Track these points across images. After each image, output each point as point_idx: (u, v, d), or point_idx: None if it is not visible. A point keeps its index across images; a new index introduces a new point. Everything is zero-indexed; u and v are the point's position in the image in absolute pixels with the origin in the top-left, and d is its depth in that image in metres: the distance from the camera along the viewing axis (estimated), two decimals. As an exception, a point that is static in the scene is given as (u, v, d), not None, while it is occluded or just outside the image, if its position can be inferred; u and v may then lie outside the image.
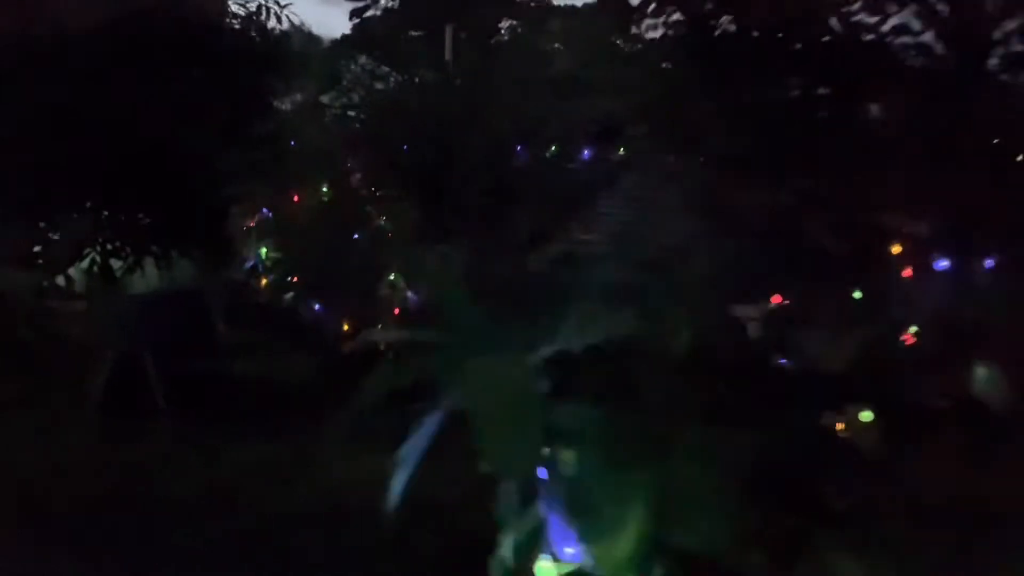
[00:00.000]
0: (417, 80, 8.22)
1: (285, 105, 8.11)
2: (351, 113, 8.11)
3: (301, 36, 8.78)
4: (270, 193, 7.88)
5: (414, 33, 8.65)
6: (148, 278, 8.03)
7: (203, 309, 8.06)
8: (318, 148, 8.00)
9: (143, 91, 7.67)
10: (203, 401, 7.60)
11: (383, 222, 7.91)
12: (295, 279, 7.82)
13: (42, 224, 7.95)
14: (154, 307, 7.88)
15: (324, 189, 7.94)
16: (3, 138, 7.55)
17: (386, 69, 8.67)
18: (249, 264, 7.96)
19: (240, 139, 7.90)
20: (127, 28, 7.91)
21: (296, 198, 7.90)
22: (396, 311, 8.00)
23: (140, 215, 7.98)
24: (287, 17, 8.12)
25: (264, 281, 7.90)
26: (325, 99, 8.40)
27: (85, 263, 8.16)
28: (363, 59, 8.82)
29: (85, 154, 7.61)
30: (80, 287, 8.28)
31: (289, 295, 7.84)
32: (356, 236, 7.92)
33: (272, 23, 8.23)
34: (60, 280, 8.02)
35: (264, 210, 7.90)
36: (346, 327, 7.93)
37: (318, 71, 8.68)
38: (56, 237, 8.02)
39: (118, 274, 8.13)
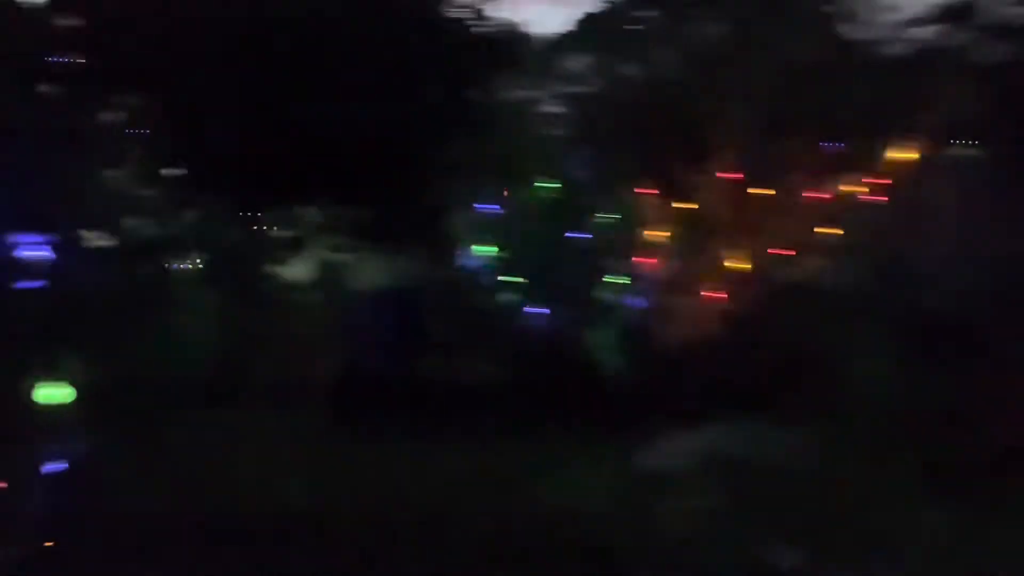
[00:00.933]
0: (656, 72, 7.59)
1: (511, 99, 7.66)
2: (577, 108, 7.55)
3: (524, 30, 8.33)
4: (494, 189, 7.46)
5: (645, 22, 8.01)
6: (366, 275, 7.83)
7: (420, 308, 7.77)
8: (544, 143, 7.51)
9: (369, 86, 7.45)
10: (420, 403, 7.30)
11: (611, 220, 7.33)
12: (516, 279, 7.37)
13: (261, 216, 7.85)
14: (374, 305, 7.67)
15: (549, 185, 7.44)
16: (231, 133, 7.48)
17: (617, 61, 8.04)
18: (468, 262, 7.57)
19: (464, 134, 7.55)
20: (353, 25, 7.71)
21: (520, 194, 7.44)
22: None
23: (363, 210, 7.77)
24: (507, 14, 7.70)
25: (483, 280, 7.50)
26: (551, 93, 7.88)
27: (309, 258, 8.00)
28: (591, 53, 8.22)
29: (310, 148, 7.44)
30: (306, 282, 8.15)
31: (509, 296, 7.40)
32: (580, 236, 7.38)
33: (493, 18, 7.82)
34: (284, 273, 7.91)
35: (486, 206, 7.49)
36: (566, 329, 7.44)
37: (543, 65, 8.19)
38: (278, 232, 7.89)
39: (341, 270, 7.93)
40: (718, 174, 7.63)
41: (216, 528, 5.77)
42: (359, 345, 7.64)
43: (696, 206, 7.67)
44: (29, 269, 6.12)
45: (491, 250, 7.52)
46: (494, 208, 7.55)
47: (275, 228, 7.96)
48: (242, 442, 6.87)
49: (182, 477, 6.26)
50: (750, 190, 7.55)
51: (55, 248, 6.16)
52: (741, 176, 7.57)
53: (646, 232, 7.65)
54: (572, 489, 6.39)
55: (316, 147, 7.41)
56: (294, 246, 8.00)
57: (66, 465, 5.56)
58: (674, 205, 7.72)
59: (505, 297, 7.54)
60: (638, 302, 7.61)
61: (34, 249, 6.13)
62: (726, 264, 7.58)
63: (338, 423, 7.28)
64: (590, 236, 7.61)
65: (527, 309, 7.53)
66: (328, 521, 5.89)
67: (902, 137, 7.52)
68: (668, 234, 7.71)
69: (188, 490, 6.13)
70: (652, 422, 6.89)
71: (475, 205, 7.63)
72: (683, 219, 7.73)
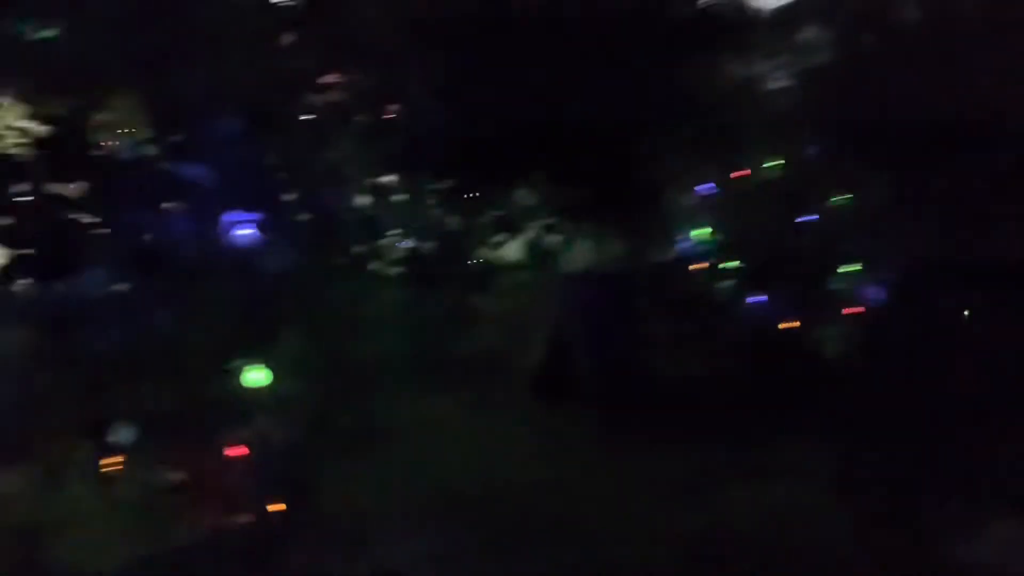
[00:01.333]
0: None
1: (736, 75, 7.07)
2: (808, 82, 6.86)
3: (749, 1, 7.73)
4: (714, 168, 6.93)
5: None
6: (579, 258, 7.52)
7: (630, 294, 7.38)
8: (770, 120, 6.89)
9: (588, 61, 7.12)
10: (627, 396, 6.94)
11: (845, 202, 6.63)
12: (737, 265, 6.81)
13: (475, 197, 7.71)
14: (586, 289, 7.36)
15: (776, 164, 6.82)
16: (456, 111, 7.34)
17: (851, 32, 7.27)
18: (683, 246, 7.09)
19: (685, 111, 7.06)
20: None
21: (743, 174, 6.87)
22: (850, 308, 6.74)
23: (577, 190, 7.47)
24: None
25: (700, 266, 6.99)
26: (779, 67, 7.22)
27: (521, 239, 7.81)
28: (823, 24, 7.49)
29: (527, 126, 7.21)
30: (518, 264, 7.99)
31: (728, 283, 6.86)
32: (809, 218, 6.72)
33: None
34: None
35: (705, 187, 6.97)
36: (789, 324, 6.81)
37: (771, 38, 7.54)
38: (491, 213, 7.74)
39: (555, 251, 7.69)
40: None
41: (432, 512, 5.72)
42: (569, 331, 7.37)
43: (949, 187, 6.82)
44: (240, 248, 6.25)
45: (710, 234, 7.00)
46: (714, 189, 7.00)
47: (488, 209, 7.81)
48: (450, 428, 6.79)
49: (392, 463, 6.23)
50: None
51: (268, 227, 6.25)
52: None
53: (886, 216, 6.87)
54: (784, 495, 5.87)
55: (532, 125, 7.17)
56: (507, 228, 7.81)
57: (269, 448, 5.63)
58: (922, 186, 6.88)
59: (724, 285, 6.99)
60: (876, 294, 6.86)
61: (245, 227, 6.24)
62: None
63: (547, 411, 7.05)
64: (821, 220, 6.91)
65: (748, 299, 6.96)
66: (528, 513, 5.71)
67: None
68: (912, 218, 6.89)
69: (400, 477, 6.10)
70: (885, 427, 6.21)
71: (694, 186, 7.12)
72: (933, 201, 6.89)
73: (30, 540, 5.29)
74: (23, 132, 6.15)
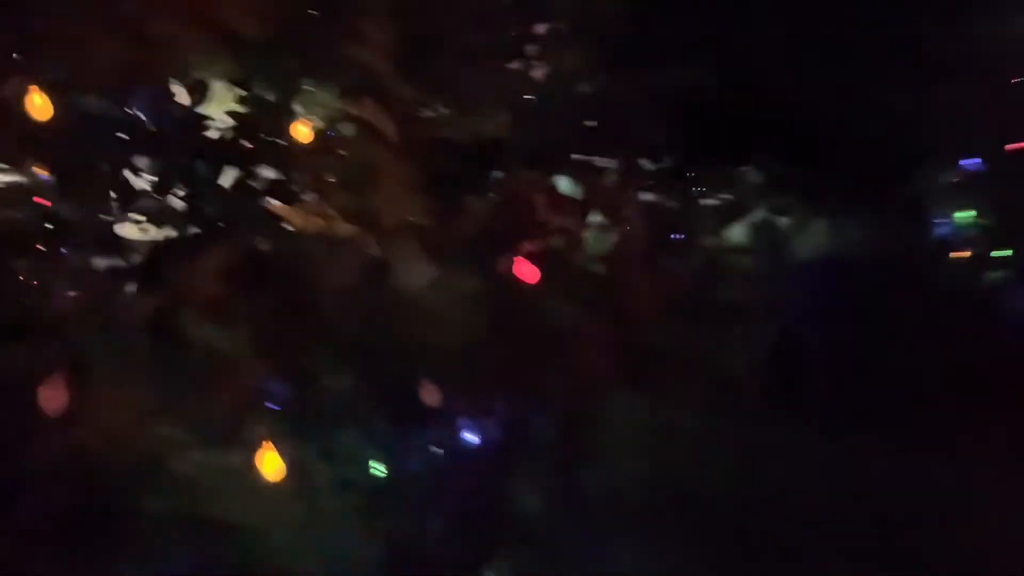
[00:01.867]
0: None
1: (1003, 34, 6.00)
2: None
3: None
4: (980, 142, 5.92)
5: None
6: (811, 242, 6.73)
7: (874, 284, 6.51)
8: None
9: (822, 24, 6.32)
10: (867, 399, 6.10)
11: None
12: (1008, 255, 5.81)
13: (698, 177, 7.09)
14: (816, 276, 6.56)
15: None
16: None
17: None
18: (942, 230, 6.13)
19: (941, 77, 6.09)
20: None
21: (1020, 147, 5.83)
22: None
23: (811, 169, 6.67)
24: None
25: (962, 254, 6.02)
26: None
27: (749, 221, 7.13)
28: None
29: (754, 99, 6.52)
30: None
31: (996, 275, 5.86)
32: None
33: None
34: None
35: (972, 161, 5.97)
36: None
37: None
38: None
39: (783, 235, 6.95)
40: None
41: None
42: (797, 320, 6.61)
43: None
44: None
45: (973, 216, 5.99)
46: (979, 165, 5.97)
47: (712, 190, 7.18)
48: (666, 420, 6.24)
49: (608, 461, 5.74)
50: None
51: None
52: None
53: None
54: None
55: (760, 97, 6.46)
56: (733, 210, 7.16)
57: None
58: None
59: (989, 275, 5.98)
60: None
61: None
62: None
63: (770, 404, 6.32)
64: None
65: (1018, 290, 5.93)
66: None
67: None
68: None
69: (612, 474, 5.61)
70: None
71: (956, 161, 6.12)
72: None
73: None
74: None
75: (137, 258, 3.31)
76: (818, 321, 6.49)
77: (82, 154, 3.16)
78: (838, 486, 5.68)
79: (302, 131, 3.49)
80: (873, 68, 6.33)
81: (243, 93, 3.47)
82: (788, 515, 5.47)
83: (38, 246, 3.13)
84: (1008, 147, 5.85)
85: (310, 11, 3.61)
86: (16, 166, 3.14)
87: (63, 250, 3.17)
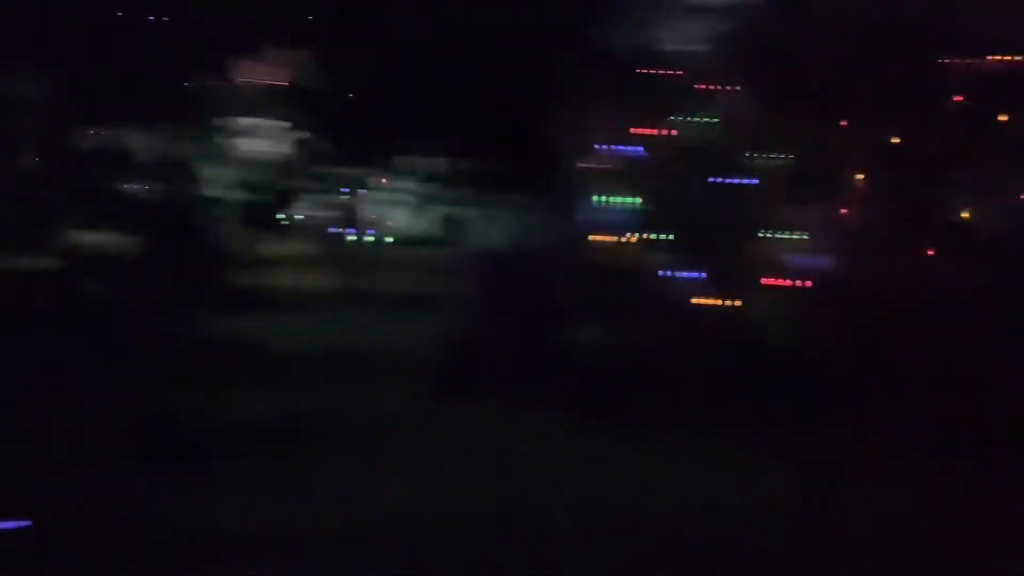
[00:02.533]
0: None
1: (656, 28, 6.11)
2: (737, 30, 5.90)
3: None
4: (634, 129, 6.01)
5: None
6: (486, 232, 6.70)
7: (542, 271, 6.53)
8: (695, 74, 5.96)
9: (490, 21, 6.28)
10: (551, 385, 6.09)
11: (783, 162, 5.73)
12: (661, 236, 5.93)
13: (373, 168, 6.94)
14: (494, 265, 6.52)
15: (702, 121, 5.91)
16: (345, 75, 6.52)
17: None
18: (601, 215, 6.20)
19: (596, 55, 6.16)
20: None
21: (664, 131, 5.96)
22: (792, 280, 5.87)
23: (487, 159, 6.64)
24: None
25: (620, 238, 6.11)
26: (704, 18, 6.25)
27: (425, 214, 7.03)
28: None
29: (428, 90, 6.41)
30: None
31: (653, 256, 5.98)
32: (743, 182, 5.84)
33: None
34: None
35: (624, 148, 6.06)
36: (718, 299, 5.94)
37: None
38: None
39: (461, 226, 6.92)
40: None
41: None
42: (477, 310, 6.55)
43: (901, 140, 5.92)
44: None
45: (629, 201, 6.10)
46: (634, 151, 6.07)
47: (388, 181, 7.02)
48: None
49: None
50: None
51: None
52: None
53: (830, 174, 5.97)
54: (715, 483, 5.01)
55: (433, 89, 6.35)
56: (410, 201, 7.02)
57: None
58: (870, 139, 5.99)
59: (647, 257, 6.10)
60: (818, 262, 5.98)
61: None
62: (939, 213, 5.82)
63: (453, 394, 6.19)
64: (756, 182, 6.00)
65: (674, 272, 6.07)
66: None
67: None
68: (861, 176, 6.01)
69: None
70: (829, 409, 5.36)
71: (610, 147, 6.20)
72: (882, 156, 5.99)
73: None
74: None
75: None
76: (495, 311, 6.46)
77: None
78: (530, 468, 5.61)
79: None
80: (541, 73, 6.33)
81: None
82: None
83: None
84: (633, 130, 5.98)
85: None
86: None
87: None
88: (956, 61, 6.32)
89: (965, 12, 6.00)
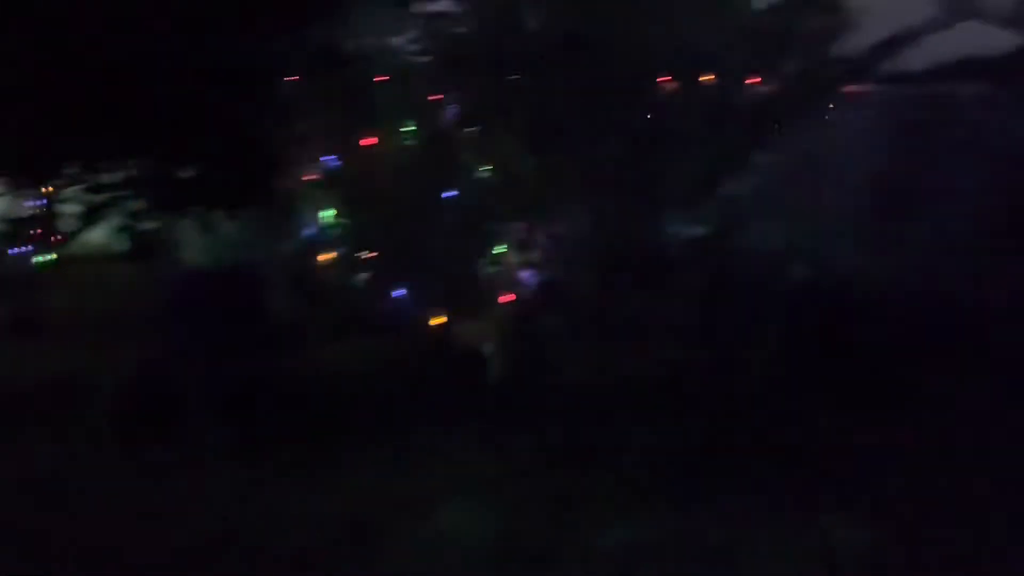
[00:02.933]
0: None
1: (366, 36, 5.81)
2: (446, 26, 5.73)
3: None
4: (337, 134, 5.64)
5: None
6: (183, 248, 6.05)
7: (255, 291, 6.00)
8: (403, 72, 5.70)
9: (193, 21, 5.66)
10: (256, 416, 5.54)
11: (488, 174, 5.57)
12: (369, 254, 5.58)
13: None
14: (191, 289, 5.88)
15: (410, 129, 5.63)
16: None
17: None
18: (309, 232, 5.77)
19: (300, 62, 5.74)
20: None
21: (372, 141, 5.63)
22: (505, 296, 5.71)
23: (174, 165, 5.98)
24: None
25: (328, 256, 5.70)
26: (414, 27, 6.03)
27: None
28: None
29: (116, 93, 5.69)
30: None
31: (361, 276, 5.61)
32: (452, 195, 5.61)
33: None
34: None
35: (329, 158, 5.68)
36: (436, 319, 5.68)
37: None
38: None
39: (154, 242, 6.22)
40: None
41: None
42: (171, 334, 5.89)
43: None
44: None
45: (335, 215, 5.72)
46: (337, 163, 5.69)
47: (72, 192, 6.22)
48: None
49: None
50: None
51: None
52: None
53: (541, 189, 5.89)
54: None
55: (124, 92, 5.64)
56: (95, 214, 6.25)
57: None
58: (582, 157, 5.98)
59: (355, 275, 5.74)
60: (531, 278, 5.87)
61: None
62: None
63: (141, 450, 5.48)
64: (467, 196, 5.81)
65: (384, 290, 5.75)
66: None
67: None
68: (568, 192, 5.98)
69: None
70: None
71: (320, 159, 5.79)
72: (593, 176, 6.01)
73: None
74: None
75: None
76: (193, 340, 5.84)
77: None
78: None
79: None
80: (247, 77, 5.81)
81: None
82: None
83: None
84: (363, 142, 5.65)
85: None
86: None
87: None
88: (665, 82, 6.48)
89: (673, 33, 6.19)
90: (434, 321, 5.76)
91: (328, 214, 5.74)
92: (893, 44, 6.95)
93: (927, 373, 5.94)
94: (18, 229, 6.03)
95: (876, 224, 6.76)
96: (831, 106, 6.93)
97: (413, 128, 5.71)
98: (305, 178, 5.73)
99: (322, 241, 5.79)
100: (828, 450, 5.18)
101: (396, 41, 5.91)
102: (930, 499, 4.62)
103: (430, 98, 5.73)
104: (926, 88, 8.37)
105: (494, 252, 5.73)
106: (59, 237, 6.42)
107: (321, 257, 5.76)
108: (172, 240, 6.17)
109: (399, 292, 5.76)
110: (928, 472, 4.89)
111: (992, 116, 7.57)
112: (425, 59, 5.88)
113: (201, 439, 5.38)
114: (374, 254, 5.72)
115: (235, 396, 5.81)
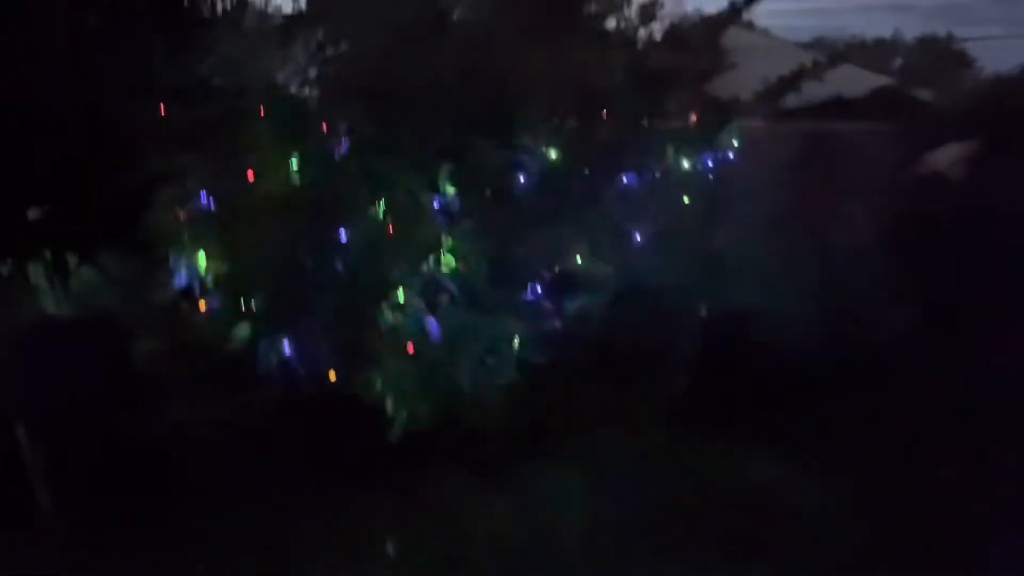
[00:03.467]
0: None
1: (234, 41, 5.29)
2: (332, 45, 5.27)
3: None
4: (210, 170, 5.03)
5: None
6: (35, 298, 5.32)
7: (116, 346, 5.29)
8: (285, 100, 5.19)
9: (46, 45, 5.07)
10: (116, 494, 4.88)
11: (383, 211, 5.10)
12: (249, 305, 4.97)
13: None
14: (32, 344, 5.13)
15: (294, 163, 5.10)
16: None
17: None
18: (180, 280, 5.10)
19: (168, 88, 5.14)
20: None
21: (250, 177, 5.05)
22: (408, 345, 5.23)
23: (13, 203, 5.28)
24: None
25: (203, 306, 5.04)
26: (292, 56, 5.56)
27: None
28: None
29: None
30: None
31: (241, 331, 4.99)
32: (344, 235, 5.11)
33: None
34: None
35: (202, 195, 5.05)
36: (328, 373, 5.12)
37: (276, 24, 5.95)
38: None
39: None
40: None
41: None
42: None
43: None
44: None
45: (210, 262, 5.07)
46: (207, 201, 5.05)
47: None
48: None
49: None
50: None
51: None
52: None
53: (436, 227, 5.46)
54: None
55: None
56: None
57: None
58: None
59: (234, 328, 5.10)
60: (433, 325, 5.40)
61: None
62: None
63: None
64: (360, 236, 5.30)
65: (268, 345, 5.13)
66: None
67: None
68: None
69: None
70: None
71: (191, 200, 5.14)
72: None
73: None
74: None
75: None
76: (35, 406, 5.06)
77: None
78: None
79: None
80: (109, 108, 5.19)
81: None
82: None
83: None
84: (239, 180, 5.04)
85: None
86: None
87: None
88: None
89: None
90: (325, 375, 5.20)
91: (202, 260, 5.09)
92: (780, 84, 6.99)
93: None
94: None
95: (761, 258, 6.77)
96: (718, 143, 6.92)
97: (296, 165, 5.16)
98: (175, 219, 5.07)
99: (195, 288, 5.13)
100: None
101: (276, 72, 5.40)
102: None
103: (316, 132, 5.21)
104: (804, 125, 8.55)
105: (393, 298, 5.22)
106: None
107: (194, 305, 5.10)
108: (21, 286, 5.41)
109: (284, 344, 5.18)
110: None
111: (866, 151, 7.76)
112: (309, 92, 5.40)
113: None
114: (253, 303, 5.11)
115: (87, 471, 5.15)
